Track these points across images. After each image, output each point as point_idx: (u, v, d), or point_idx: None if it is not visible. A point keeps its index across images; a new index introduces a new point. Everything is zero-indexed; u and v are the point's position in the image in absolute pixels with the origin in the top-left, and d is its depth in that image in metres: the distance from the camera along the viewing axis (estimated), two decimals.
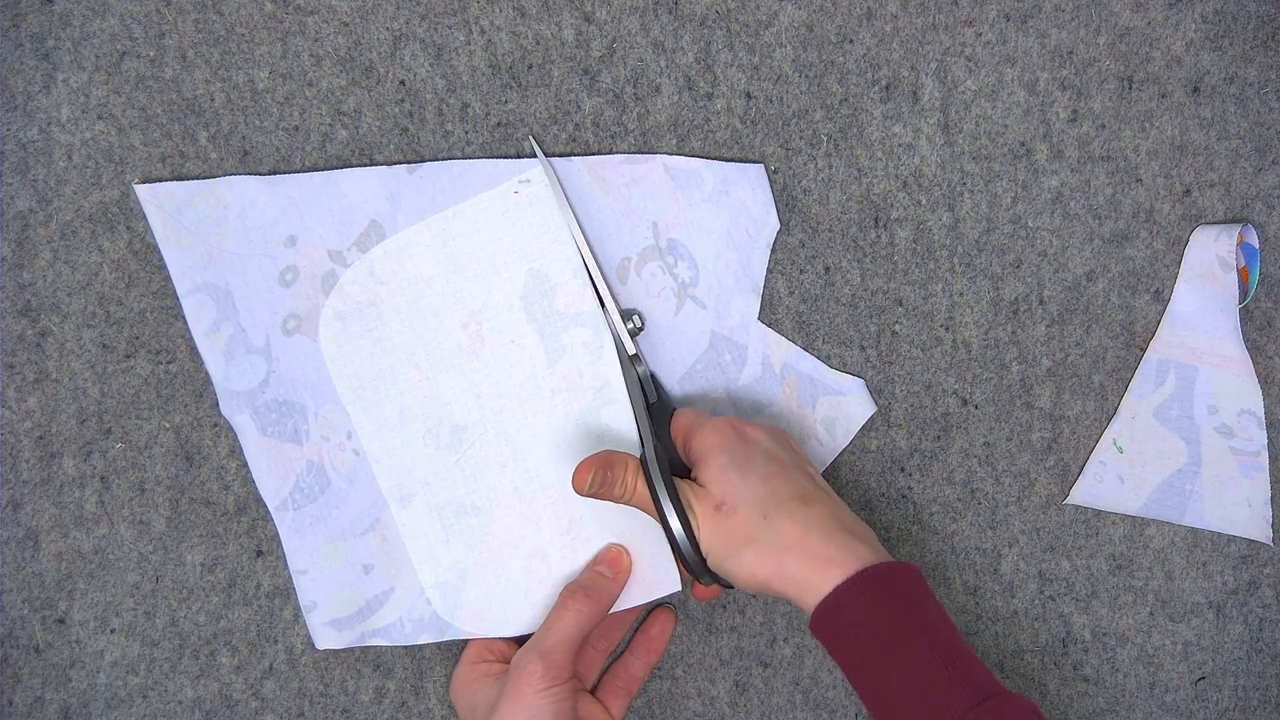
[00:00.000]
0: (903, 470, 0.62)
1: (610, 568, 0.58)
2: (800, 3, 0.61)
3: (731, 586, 0.53)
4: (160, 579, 0.62)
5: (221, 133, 0.61)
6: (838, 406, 0.60)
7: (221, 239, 0.60)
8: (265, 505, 0.61)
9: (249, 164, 0.61)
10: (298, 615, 0.62)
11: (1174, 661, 0.62)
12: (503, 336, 0.59)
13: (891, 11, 0.61)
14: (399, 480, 0.59)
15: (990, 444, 0.62)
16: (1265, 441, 0.61)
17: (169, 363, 0.62)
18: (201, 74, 0.61)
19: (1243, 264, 0.60)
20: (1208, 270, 0.60)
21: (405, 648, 0.62)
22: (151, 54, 0.61)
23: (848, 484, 0.62)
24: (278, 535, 0.61)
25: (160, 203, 0.60)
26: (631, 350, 0.59)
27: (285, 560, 0.61)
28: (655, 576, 0.59)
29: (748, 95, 0.61)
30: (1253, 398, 0.60)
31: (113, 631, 0.62)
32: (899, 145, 0.61)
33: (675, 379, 0.61)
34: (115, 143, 0.61)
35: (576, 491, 0.54)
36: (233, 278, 0.60)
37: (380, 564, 0.60)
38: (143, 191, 0.60)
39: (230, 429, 0.61)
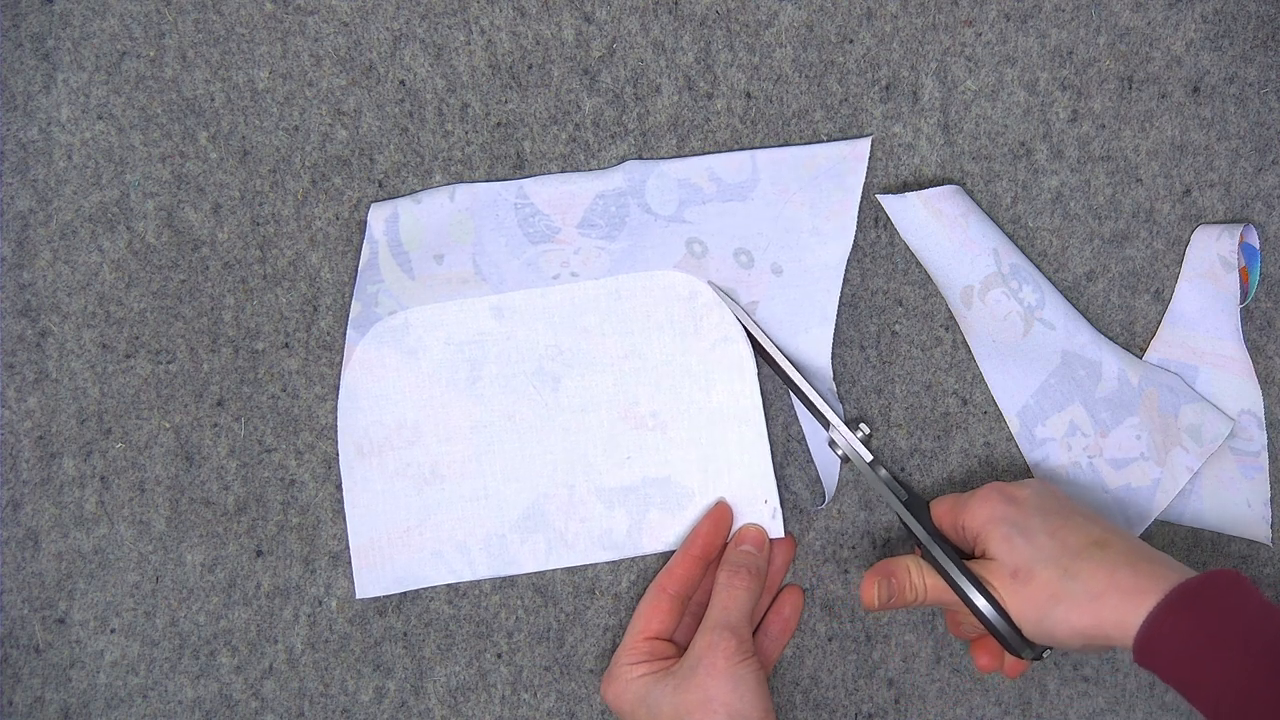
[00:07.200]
0: (903, 470, 0.62)
1: (756, 546, 0.59)
2: (800, 3, 0.61)
3: (1041, 657, 0.53)
4: (160, 579, 0.62)
5: (221, 133, 0.61)
6: (1202, 413, 0.59)
7: None
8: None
9: (249, 164, 0.61)
10: (297, 615, 0.62)
11: None
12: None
13: (891, 11, 0.61)
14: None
15: (990, 444, 0.62)
16: (1265, 441, 0.61)
17: (169, 363, 0.62)
18: (201, 74, 0.61)
19: (1243, 264, 0.60)
20: (1209, 270, 0.60)
21: (405, 648, 0.62)
22: (151, 54, 0.61)
23: (847, 484, 0.62)
24: None
25: None
26: (868, 458, 0.59)
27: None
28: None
29: (748, 95, 0.61)
30: (1253, 398, 0.60)
31: (113, 631, 0.62)
32: (899, 145, 0.61)
33: (1029, 393, 0.61)
34: (115, 143, 0.61)
35: (866, 607, 0.55)
36: None
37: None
38: None
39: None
